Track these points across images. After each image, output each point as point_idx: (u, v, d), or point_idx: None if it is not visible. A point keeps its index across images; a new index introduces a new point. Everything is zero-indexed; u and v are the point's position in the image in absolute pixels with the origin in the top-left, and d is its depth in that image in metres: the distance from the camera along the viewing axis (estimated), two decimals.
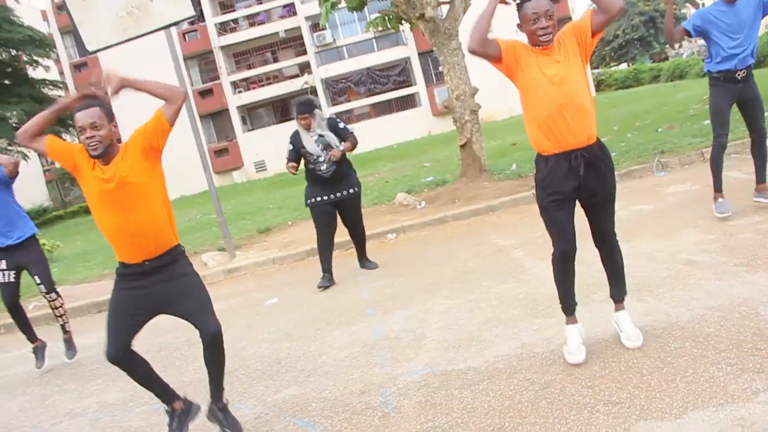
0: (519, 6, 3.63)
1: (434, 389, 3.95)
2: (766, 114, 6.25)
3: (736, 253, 5.10)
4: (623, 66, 53.18)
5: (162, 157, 3.76)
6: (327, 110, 35.28)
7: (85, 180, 3.63)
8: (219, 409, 3.86)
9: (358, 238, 7.60)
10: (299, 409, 4.13)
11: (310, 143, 7.01)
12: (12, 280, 6.25)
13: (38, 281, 6.31)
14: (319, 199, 7.16)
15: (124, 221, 3.58)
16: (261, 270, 9.23)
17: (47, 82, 39.31)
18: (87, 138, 3.49)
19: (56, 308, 6.47)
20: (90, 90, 3.61)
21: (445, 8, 11.59)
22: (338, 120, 7.36)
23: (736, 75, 5.82)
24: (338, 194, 7.16)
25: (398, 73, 39.55)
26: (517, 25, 3.70)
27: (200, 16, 35.88)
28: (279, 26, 40.03)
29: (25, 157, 38.05)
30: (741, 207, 6.28)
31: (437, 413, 3.63)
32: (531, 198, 9.30)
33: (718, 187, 6.20)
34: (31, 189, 52.32)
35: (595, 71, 48.58)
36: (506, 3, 3.67)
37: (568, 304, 3.97)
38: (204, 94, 39.24)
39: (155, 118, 3.61)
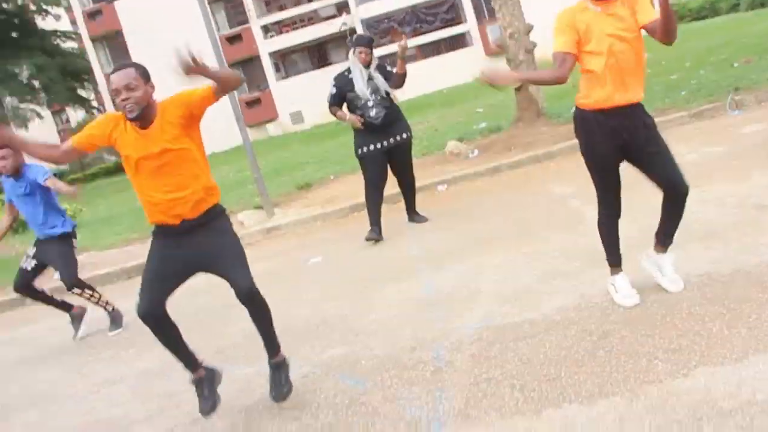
0: None
1: (488, 343, 4.21)
2: None
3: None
4: None
5: None
6: None
7: (123, 146, 3.77)
8: (270, 366, 4.07)
9: (408, 188, 7.76)
10: (348, 367, 4.43)
11: (360, 84, 7.14)
12: (29, 268, 6.79)
13: (58, 277, 6.84)
14: (372, 147, 7.29)
15: (165, 185, 3.77)
16: (302, 228, 9.57)
17: (59, 33, 40.01)
18: (122, 100, 3.64)
19: (88, 299, 6.87)
20: None
21: None
22: (387, 62, 7.56)
23: None
24: (391, 140, 7.31)
25: (446, 10, 39.27)
26: None
27: None
28: None
29: (38, 115, 39.07)
30: None
31: (491, 366, 3.90)
32: None
33: None
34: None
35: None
36: None
37: (617, 257, 4.35)
38: (232, 40, 39.49)
39: (205, 93, 3.74)
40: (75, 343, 6.86)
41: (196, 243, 3.87)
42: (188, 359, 4.09)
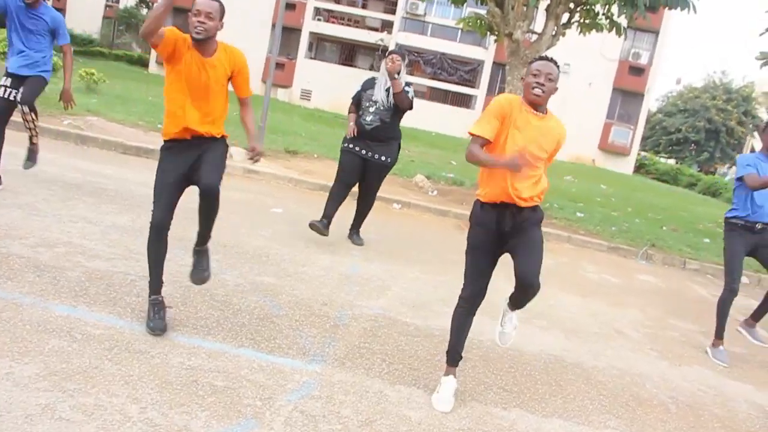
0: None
1: (380, 326, 4.87)
2: None
3: (657, 342, 6.01)
4: (671, 161, 53.78)
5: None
6: None
7: (181, 60, 3.94)
8: (196, 251, 4.36)
9: (363, 208, 7.32)
10: (272, 294, 5.04)
11: (380, 91, 6.82)
12: (12, 97, 6.36)
13: (21, 93, 6.36)
14: (355, 148, 6.91)
15: (196, 103, 4.02)
16: (276, 182, 10.12)
17: None
18: (198, 22, 3.84)
19: (26, 122, 6.58)
20: None
21: (533, 36, 12.37)
22: (409, 84, 6.99)
23: (756, 226, 5.89)
24: (370, 155, 6.90)
25: (467, 71, 40.09)
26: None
27: None
28: None
29: None
30: (686, 315, 7.22)
31: (375, 341, 4.55)
32: None
33: (719, 334, 6.00)
34: (86, 16, 53.08)
35: (643, 153, 49.21)
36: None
37: (457, 354, 4.07)
38: (286, 6, 39.75)
39: (244, 87, 4.20)
40: (66, 179, 7.30)
41: (197, 149, 4.08)
42: (158, 280, 4.16)
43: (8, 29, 6.33)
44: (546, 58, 3.82)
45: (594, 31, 12.78)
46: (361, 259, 6.60)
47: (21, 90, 6.36)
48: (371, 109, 6.82)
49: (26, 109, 6.48)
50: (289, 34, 40.63)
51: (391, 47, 38.47)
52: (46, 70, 6.52)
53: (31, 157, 6.83)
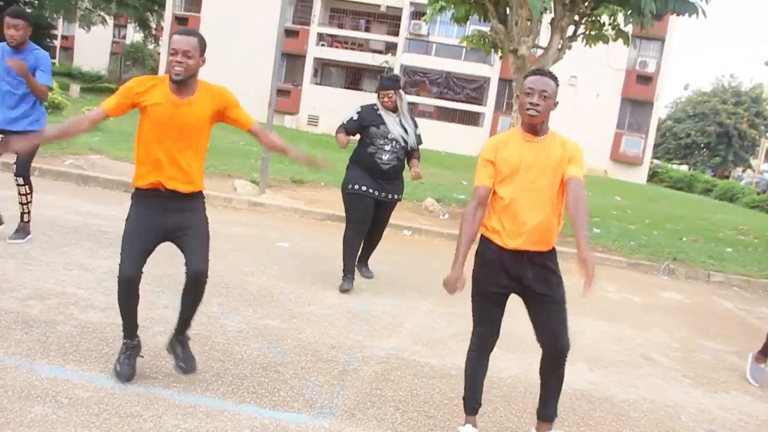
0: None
1: (392, 368, 4.54)
2: None
3: (688, 366, 5.65)
4: (684, 167, 53.31)
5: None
6: None
7: (154, 104, 3.69)
8: (179, 342, 3.96)
9: (373, 242, 6.87)
10: (276, 339, 4.74)
11: (393, 125, 6.25)
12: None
13: (15, 160, 6.30)
14: (365, 188, 6.24)
15: (174, 151, 3.73)
16: (282, 214, 9.84)
17: None
18: (177, 62, 3.60)
19: (21, 195, 6.32)
20: None
21: (538, 51, 12.09)
22: (415, 122, 6.56)
23: None
24: (384, 195, 6.34)
25: (474, 89, 39.88)
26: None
27: None
28: (383, 0, 40.54)
29: (104, 21, 39.01)
30: (715, 333, 6.84)
31: (386, 386, 4.22)
32: None
33: (766, 351, 5.56)
34: (94, 54, 53.43)
35: (656, 161, 48.77)
36: None
37: (475, 402, 3.69)
38: (289, 33, 39.59)
39: (244, 119, 3.91)
40: (64, 222, 7.08)
41: (174, 213, 3.81)
42: (132, 326, 3.89)
43: None
44: (540, 72, 3.43)
45: (600, 42, 12.49)
46: (370, 293, 6.29)
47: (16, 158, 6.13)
48: (387, 147, 6.24)
49: (21, 180, 6.27)
50: (293, 61, 40.68)
51: (396, 69, 38.44)
52: (36, 120, 6.21)
53: (19, 232, 6.32)
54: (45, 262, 5.67)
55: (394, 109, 6.31)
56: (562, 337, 3.52)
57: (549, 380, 3.64)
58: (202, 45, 3.74)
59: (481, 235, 3.73)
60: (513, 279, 3.58)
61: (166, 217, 3.79)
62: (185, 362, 3.91)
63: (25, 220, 6.37)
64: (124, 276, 3.71)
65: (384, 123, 6.25)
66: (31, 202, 6.36)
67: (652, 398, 4.76)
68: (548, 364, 3.61)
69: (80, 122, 3.82)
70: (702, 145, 54.10)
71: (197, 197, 3.92)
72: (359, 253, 6.63)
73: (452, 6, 12.21)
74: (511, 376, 4.74)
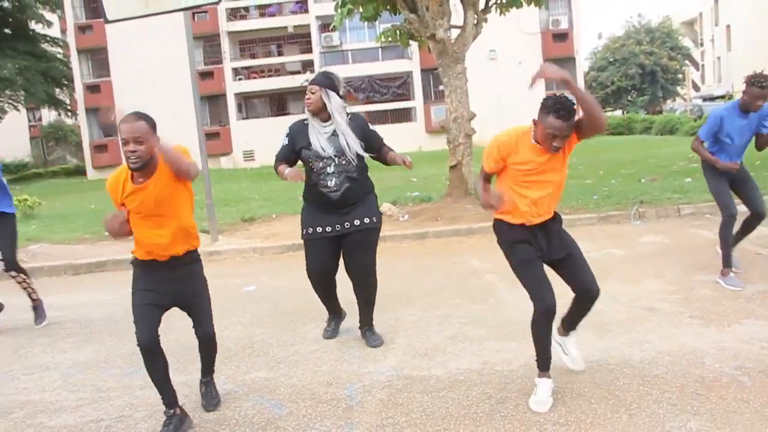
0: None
1: (397, 390, 4.21)
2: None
3: (693, 307, 5.43)
4: (618, 113, 54.03)
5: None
6: None
7: (127, 200, 3.77)
8: (202, 383, 4.29)
9: (365, 293, 5.27)
10: (268, 391, 4.38)
11: (319, 139, 4.89)
12: None
13: (2, 256, 6.44)
14: (319, 230, 4.96)
15: (161, 229, 3.79)
16: (241, 257, 9.45)
17: (48, 38, 39.14)
18: (129, 151, 3.57)
19: (19, 283, 6.59)
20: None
21: (455, 32, 11.89)
22: (367, 121, 5.31)
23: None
24: (346, 224, 4.94)
25: (398, 86, 39.87)
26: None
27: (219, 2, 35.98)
28: (289, 21, 40.19)
29: (16, 108, 38.06)
30: (705, 265, 6.64)
31: (398, 412, 3.89)
32: None
33: (726, 263, 6.14)
34: (13, 142, 52.03)
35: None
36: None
37: (547, 360, 3.96)
38: (204, 75, 39.10)
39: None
40: (12, 326, 6.58)
41: (178, 282, 3.94)
42: (170, 394, 3.89)
43: None
44: (560, 116, 3.69)
45: (514, 8, 12.33)
46: (350, 316, 5.86)
47: None
48: (330, 169, 4.86)
49: (13, 273, 6.50)
50: (215, 101, 40.24)
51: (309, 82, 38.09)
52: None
53: (39, 313, 6.65)
54: (2, 372, 5.22)
55: (324, 115, 4.91)
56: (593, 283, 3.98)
57: (580, 313, 4.13)
58: (153, 125, 3.65)
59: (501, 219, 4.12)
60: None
61: (172, 283, 3.95)
62: (208, 400, 4.23)
63: (34, 297, 6.65)
64: (142, 344, 3.80)
65: (314, 142, 4.90)
66: (31, 283, 6.68)
67: (669, 349, 4.52)
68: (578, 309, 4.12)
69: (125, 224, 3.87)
70: (629, 88, 54.93)
71: (194, 257, 4.09)
72: (359, 318, 5.35)
73: (359, 6, 11.94)
74: (521, 365, 4.45)
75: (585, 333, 4.89)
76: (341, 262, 5.15)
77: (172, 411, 3.86)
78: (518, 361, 4.51)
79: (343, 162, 4.87)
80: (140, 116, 3.63)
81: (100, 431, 3.99)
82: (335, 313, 5.43)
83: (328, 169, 4.85)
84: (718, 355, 4.37)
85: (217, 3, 9.70)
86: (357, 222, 4.93)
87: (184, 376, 4.73)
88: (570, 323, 4.22)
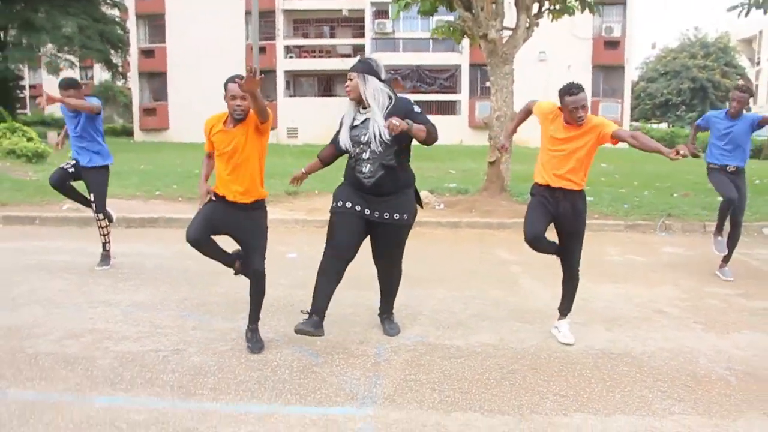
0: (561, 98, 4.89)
1: (421, 354, 4.76)
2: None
3: (699, 314, 5.89)
4: (663, 125, 53.70)
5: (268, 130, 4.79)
6: None
7: (218, 136, 4.73)
8: (249, 329, 4.90)
9: (389, 282, 5.31)
10: (306, 343, 4.94)
11: (345, 126, 4.89)
12: (69, 170, 7.14)
13: (92, 199, 7.19)
14: (349, 204, 4.85)
15: (231, 170, 4.70)
16: (284, 227, 10.05)
17: (108, 1, 40.14)
18: (237, 105, 4.53)
19: (101, 227, 7.31)
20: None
21: (507, 32, 12.33)
22: (414, 104, 4.93)
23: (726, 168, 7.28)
24: (377, 214, 4.84)
25: (446, 78, 40.19)
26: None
27: None
28: (344, 4, 40.70)
29: (72, 65, 39.07)
30: (719, 279, 7.15)
31: (419, 371, 4.44)
32: None
33: (719, 228, 7.43)
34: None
35: (635, 123, 49.14)
36: None
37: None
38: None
39: (260, 126, 4.64)
40: (77, 265, 7.25)
41: (237, 218, 4.76)
42: (225, 260, 4.98)
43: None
44: (573, 91, 4.82)
45: (566, 15, 12.74)
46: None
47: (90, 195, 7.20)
48: (365, 155, 4.77)
49: (100, 216, 7.25)
50: (265, 77, 40.77)
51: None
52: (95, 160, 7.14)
53: (104, 260, 7.33)
54: (70, 304, 5.85)
55: (360, 100, 4.81)
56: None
57: (566, 294, 5.18)
58: None
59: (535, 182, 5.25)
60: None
61: (230, 215, 4.80)
62: (254, 344, 4.80)
63: (107, 248, 7.36)
64: (188, 237, 4.72)
65: (355, 126, 4.85)
66: (109, 233, 7.36)
67: (669, 347, 5.00)
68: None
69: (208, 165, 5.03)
70: (678, 103, 54.51)
71: (257, 206, 4.90)
72: (380, 305, 5.42)
73: (418, 1, 12.44)
74: (534, 345, 4.97)
75: (595, 324, 5.44)
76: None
77: (237, 267, 5.03)
78: (531, 341, 5.03)
79: (378, 151, 4.72)
80: (239, 77, 4.50)
81: (158, 360, 4.57)
82: (319, 313, 4.71)
83: (364, 155, 4.77)
84: (713, 356, 4.85)
85: None
86: (386, 215, 4.83)
87: (232, 323, 5.32)
88: (564, 307, 5.19)
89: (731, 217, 7.27)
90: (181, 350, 4.76)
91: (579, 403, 4.00)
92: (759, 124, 7.11)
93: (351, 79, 4.77)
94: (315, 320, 4.64)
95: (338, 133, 4.95)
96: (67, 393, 4.02)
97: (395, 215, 4.85)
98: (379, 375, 4.38)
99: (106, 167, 7.22)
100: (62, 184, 7.14)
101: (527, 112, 5.38)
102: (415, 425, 3.66)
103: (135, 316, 5.52)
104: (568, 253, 5.08)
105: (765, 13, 14.13)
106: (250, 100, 4.35)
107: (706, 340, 5.22)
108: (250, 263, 4.77)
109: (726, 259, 7.40)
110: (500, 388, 4.19)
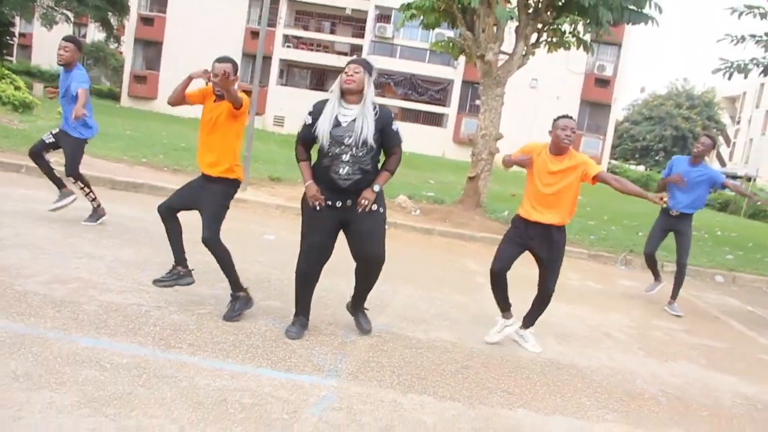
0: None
1: (384, 341, 5.13)
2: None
3: (643, 342, 6.33)
4: (641, 168, 54.69)
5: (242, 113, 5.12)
6: None
7: (204, 107, 5.17)
8: (232, 297, 5.24)
9: (368, 281, 5.21)
10: (279, 316, 5.29)
11: (325, 119, 4.62)
12: (48, 140, 7.41)
13: (64, 162, 7.49)
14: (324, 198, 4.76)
15: (204, 140, 5.15)
16: (264, 210, 10.37)
17: None
18: (215, 82, 4.95)
19: (80, 189, 7.55)
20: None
21: (503, 56, 12.77)
22: (394, 118, 4.88)
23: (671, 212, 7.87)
24: (349, 201, 4.79)
25: (438, 91, 40.68)
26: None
27: None
28: (348, 2, 41.05)
29: (68, 19, 38.90)
30: (669, 316, 7.64)
31: (382, 355, 4.81)
32: None
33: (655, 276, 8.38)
34: (53, 53, 52.87)
35: (613, 162, 50.03)
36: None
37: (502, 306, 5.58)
38: (255, 34, 40.04)
39: (233, 111, 5.03)
40: (62, 216, 7.50)
41: (200, 189, 5.17)
42: (178, 254, 5.39)
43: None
44: (567, 115, 5.27)
45: (561, 48, 13.23)
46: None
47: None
48: (344, 157, 4.62)
49: (72, 180, 7.45)
50: (238, 78, 40.85)
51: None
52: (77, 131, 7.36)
53: (92, 216, 7.58)
54: (55, 251, 6.12)
55: (354, 97, 4.67)
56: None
57: (538, 309, 5.57)
58: (235, 68, 5.11)
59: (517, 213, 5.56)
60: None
61: (197, 187, 5.28)
62: (228, 312, 5.13)
63: (95, 205, 7.59)
64: (158, 208, 5.37)
65: (339, 124, 4.62)
66: (90, 191, 7.59)
67: (611, 366, 5.42)
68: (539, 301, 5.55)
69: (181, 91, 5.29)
70: (659, 149, 55.51)
71: (218, 180, 5.16)
72: (352, 298, 5.38)
73: (422, 14, 12.83)
74: (488, 346, 5.37)
75: (547, 338, 5.84)
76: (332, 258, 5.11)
77: (176, 267, 5.38)
78: (490, 345, 5.42)
79: (360, 154, 4.62)
80: (228, 59, 5.09)
81: (140, 313, 4.88)
82: (304, 313, 5.05)
83: (343, 156, 4.60)
84: (649, 379, 5.27)
85: None
86: (362, 202, 4.72)
87: (212, 290, 5.66)
88: (529, 319, 5.60)
89: (677, 259, 7.85)
90: (162, 308, 5.07)
91: (523, 401, 4.39)
92: (723, 185, 7.69)
93: (357, 72, 4.61)
94: (302, 320, 5.05)
95: (308, 127, 4.72)
96: (54, 330, 4.31)
97: (373, 206, 4.78)
98: (344, 354, 4.73)
99: (85, 140, 7.47)
100: (39, 155, 7.39)
101: (510, 161, 5.45)
102: (374, 400, 4.02)
103: (118, 272, 5.82)
104: (543, 280, 5.43)
105: (745, 78, 14.72)
106: (224, 92, 4.86)
107: (646, 364, 5.64)
108: (203, 227, 5.06)
109: (673, 296, 7.89)
110: (454, 379, 4.57)
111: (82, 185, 7.51)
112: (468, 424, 3.91)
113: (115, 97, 43.96)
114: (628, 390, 4.93)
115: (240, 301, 5.18)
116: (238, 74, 5.17)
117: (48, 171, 7.52)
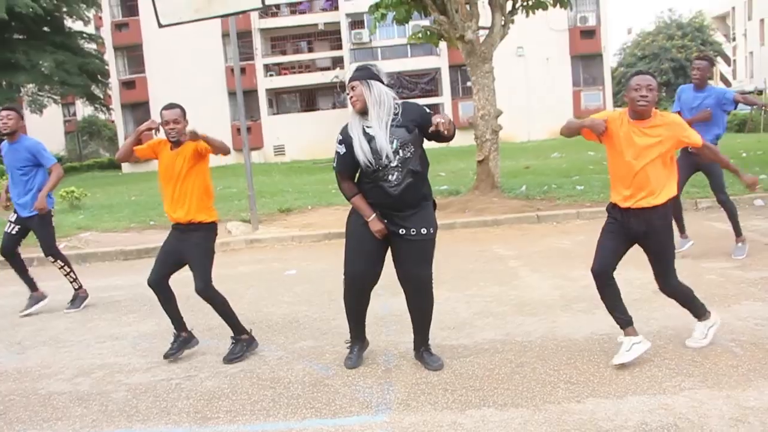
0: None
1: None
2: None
3: (699, 289, 5.86)
4: None
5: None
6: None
7: (160, 158, 5.08)
8: (231, 339, 5.15)
9: (420, 308, 4.76)
10: (315, 356, 4.99)
11: (358, 142, 4.40)
12: (14, 232, 6.99)
13: (40, 244, 7.08)
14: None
15: (172, 191, 5.01)
16: (280, 245, 10.10)
17: (84, 35, 40.20)
18: (170, 128, 4.95)
19: (59, 269, 7.20)
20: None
21: (483, 32, 12.44)
22: (420, 106, 4.72)
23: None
24: (401, 229, 4.49)
25: (427, 82, 40.39)
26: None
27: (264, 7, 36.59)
28: (319, 18, 40.90)
29: (55, 102, 39.08)
30: (715, 254, 7.19)
31: (430, 373, 4.49)
32: (534, 217, 10.18)
33: (681, 229, 7.41)
34: (49, 137, 53.25)
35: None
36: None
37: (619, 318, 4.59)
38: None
39: (203, 150, 4.93)
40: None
41: (179, 244, 5.05)
42: (176, 320, 5.21)
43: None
44: (642, 71, 4.40)
45: (540, 10, 12.86)
46: (387, 295, 6.49)
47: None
48: (393, 164, 4.39)
49: (51, 259, 7.13)
50: (247, 97, 40.63)
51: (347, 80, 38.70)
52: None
53: (76, 303, 7.15)
54: (76, 341, 5.89)
55: (367, 110, 4.45)
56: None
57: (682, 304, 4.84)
58: (184, 112, 5.07)
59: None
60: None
61: (179, 245, 5.09)
62: (228, 354, 5.07)
63: (75, 287, 7.18)
64: (148, 281, 5.14)
65: (373, 138, 4.40)
66: (71, 272, 7.20)
67: (672, 325, 5.07)
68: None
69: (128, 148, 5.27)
70: (662, 84, 54.80)
71: (198, 227, 5.05)
72: (414, 337, 4.83)
73: (392, 9, 12.53)
74: (539, 336, 5.03)
75: (598, 311, 5.46)
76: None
77: (179, 334, 5.20)
78: (536, 333, 5.09)
79: (403, 156, 4.39)
80: (175, 105, 5.05)
81: (171, 388, 4.61)
82: (359, 338, 4.88)
83: (391, 163, 4.38)
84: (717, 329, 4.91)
85: (261, 8, 10.31)
86: (413, 231, 4.49)
87: (271, 344, 5.36)
88: (694, 313, 4.77)
89: (716, 198, 7.42)
90: (192, 376, 4.79)
91: (590, 389, 4.05)
92: (734, 101, 7.23)
93: (354, 89, 4.45)
94: (359, 345, 4.89)
95: (344, 156, 4.49)
96: (84, 430, 4.05)
97: (422, 230, 4.52)
98: (390, 381, 4.42)
99: (50, 212, 6.98)
100: (12, 253, 7.03)
101: (581, 126, 4.56)
102: (432, 427, 3.70)
103: (143, 347, 5.57)
104: (656, 276, 4.79)
105: None
106: (211, 146, 4.85)
107: None
108: (195, 280, 4.96)
109: (737, 234, 7.28)
110: (511, 381, 4.24)
111: (62, 264, 7.18)
112: (537, 429, 3.58)
113: (116, 166, 43.99)
114: (698, 350, 4.57)
115: (241, 344, 5.11)
116: (188, 118, 5.08)
117: (22, 271, 7.17)
